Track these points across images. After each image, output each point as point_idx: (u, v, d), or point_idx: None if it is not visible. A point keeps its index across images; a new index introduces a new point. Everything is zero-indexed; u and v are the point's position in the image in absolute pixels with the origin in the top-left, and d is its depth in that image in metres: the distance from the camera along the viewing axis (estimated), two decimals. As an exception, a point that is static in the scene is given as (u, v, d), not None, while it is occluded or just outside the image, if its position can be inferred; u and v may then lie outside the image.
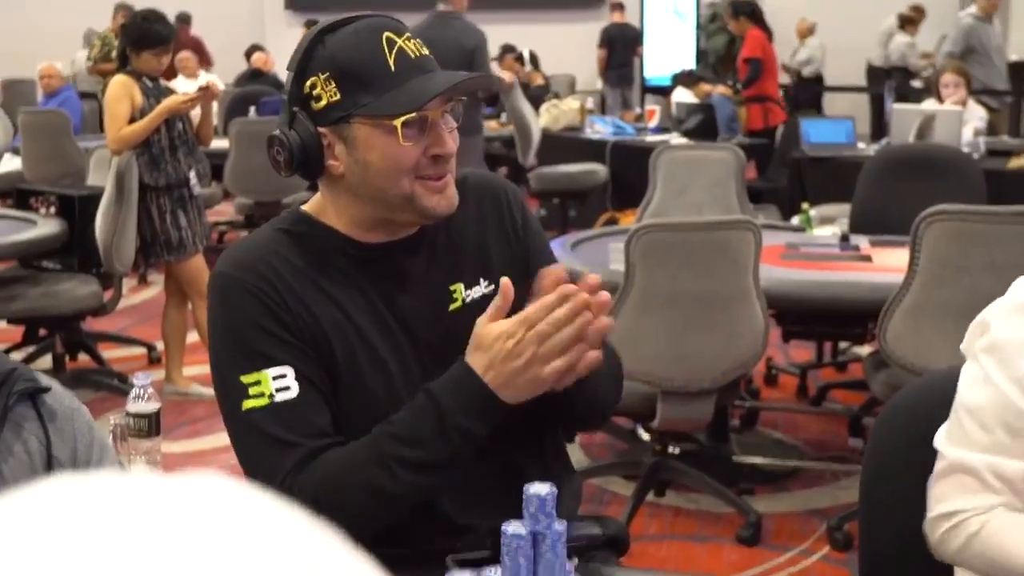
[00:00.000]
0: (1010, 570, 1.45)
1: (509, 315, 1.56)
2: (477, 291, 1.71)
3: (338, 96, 1.56)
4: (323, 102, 1.57)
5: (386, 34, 1.56)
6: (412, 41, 1.58)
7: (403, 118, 1.54)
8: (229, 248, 1.68)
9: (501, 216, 1.77)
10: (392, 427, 1.55)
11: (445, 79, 1.57)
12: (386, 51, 1.56)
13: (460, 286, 1.70)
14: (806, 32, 13.24)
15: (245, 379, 1.56)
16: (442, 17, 6.49)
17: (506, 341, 1.53)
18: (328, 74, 1.56)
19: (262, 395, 1.56)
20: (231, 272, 1.61)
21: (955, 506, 1.51)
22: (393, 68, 1.55)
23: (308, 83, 1.58)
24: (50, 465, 1.46)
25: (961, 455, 1.51)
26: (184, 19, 13.46)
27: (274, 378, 1.56)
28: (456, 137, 1.63)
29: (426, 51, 1.60)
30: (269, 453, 1.56)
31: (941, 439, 1.56)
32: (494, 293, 1.60)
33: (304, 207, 1.69)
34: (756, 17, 9.17)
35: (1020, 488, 1.48)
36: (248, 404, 1.56)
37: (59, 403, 1.49)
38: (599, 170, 7.65)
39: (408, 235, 1.68)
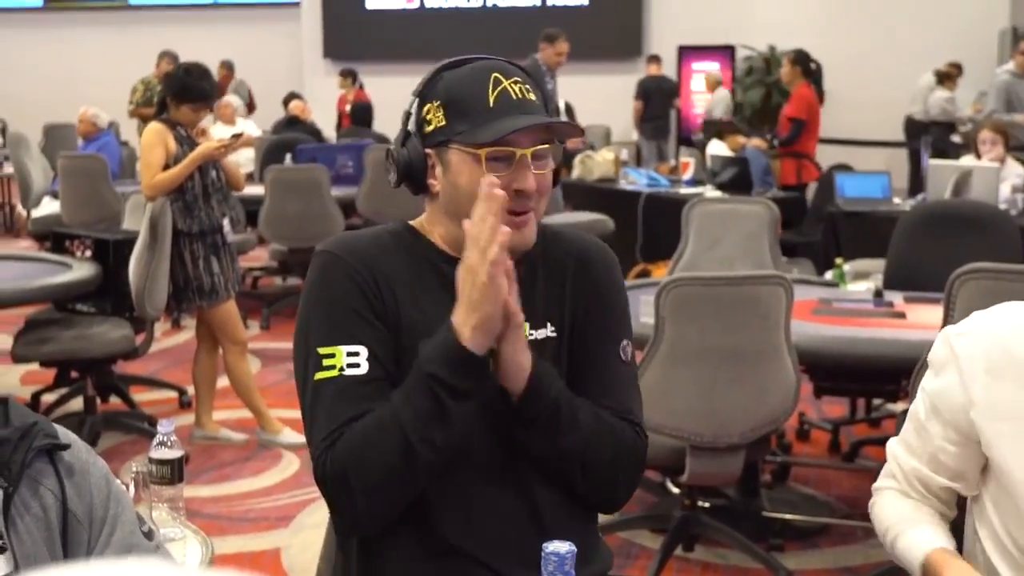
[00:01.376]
0: (879, 534, 1.80)
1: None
2: (542, 333, 1.79)
3: (444, 122, 1.72)
4: (432, 126, 1.73)
5: (495, 75, 1.72)
6: (519, 85, 1.72)
7: (488, 149, 1.67)
8: (339, 233, 1.86)
9: (583, 272, 1.84)
10: (396, 394, 1.66)
11: (531, 119, 1.70)
12: (490, 89, 1.71)
13: (527, 325, 1.74)
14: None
15: (322, 350, 1.68)
16: (528, 62, 6.78)
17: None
18: (440, 102, 1.73)
19: (333, 367, 1.67)
20: (335, 251, 1.74)
21: (876, 484, 1.84)
22: (492, 104, 1.70)
23: (425, 108, 1.75)
24: (65, 520, 1.45)
25: (890, 444, 1.81)
26: (229, 66, 13.65)
27: (348, 354, 1.67)
28: (543, 179, 1.73)
29: (533, 96, 1.73)
30: (324, 423, 1.66)
31: None
32: (557, 339, 1.78)
33: (412, 222, 1.83)
34: (811, 74, 9.10)
35: (911, 480, 1.75)
36: (320, 375, 1.68)
37: (76, 458, 1.49)
38: (604, 220, 7.54)
39: None
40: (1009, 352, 1.63)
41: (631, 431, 1.79)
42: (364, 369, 1.67)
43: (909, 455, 1.76)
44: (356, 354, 1.67)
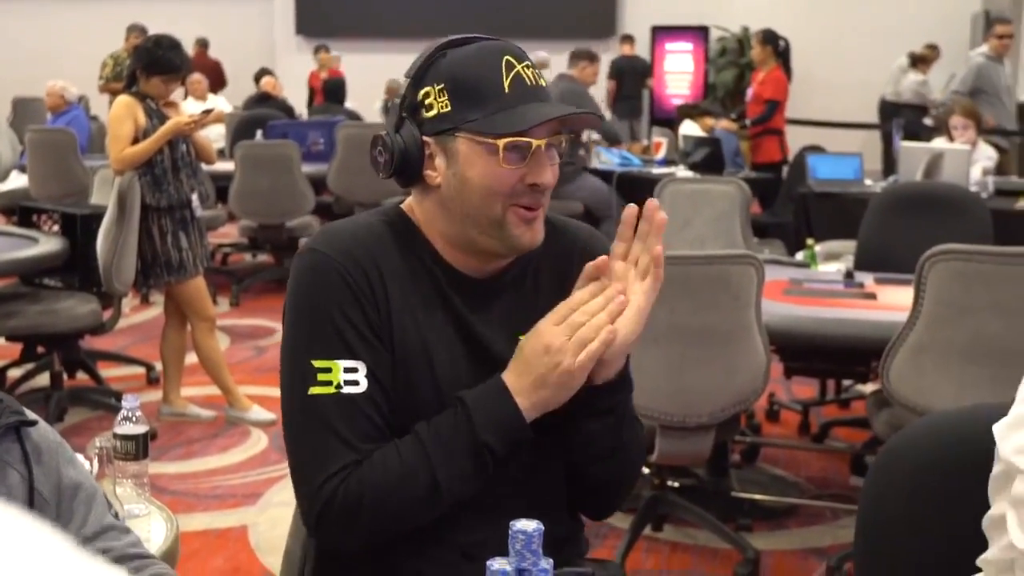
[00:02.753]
0: None
1: None
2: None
3: (449, 108, 1.57)
4: (433, 112, 1.58)
5: (507, 57, 1.57)
6: (531, 70, 1.58)
7: (507, 140, 1.54)
8: (328, 225, 1.67)
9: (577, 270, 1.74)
10: (428, 435, 1.57)
11: (556, 109, 1.57)
12: (504, 73, 1.56)
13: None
14: None
15: (317, 363, 1.56)
16: (561, 78, 6.90)
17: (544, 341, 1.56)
18: (443, 85, 1.57)
19: (330, 383, 1.56)
20: (327, 251, 1.60)
21: None
22: (507, 90, 1.56)
23: (422, 92, 1.59)
24: (31, 499, 1.44)
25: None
26: (203, 43, 13.57)
27: (345, 370, 1.56)
28: (556, 172, 1.62)
29: (543, 82, 1.60)
30: (323, 444, 1.55)
31: None
32: None
33: (403, 206, 1.69)
34: (781, 55, 9.14)
35: None
36: (315, 390, 1.56)
37: (43, 438, 1.47)
38: (572, 205, 7.53)
39: (499, 269, 1.68)
40: None
41: (642, 429, 1.78)
42: (363, 387, 1.56)
43: None
44: (354, 370, 1.56)
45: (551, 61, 8.32)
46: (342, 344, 1.57)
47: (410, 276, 1.62)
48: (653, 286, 1.60)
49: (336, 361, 1.56)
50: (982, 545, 1.52)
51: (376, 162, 1.64)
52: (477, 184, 1.57)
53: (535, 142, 1.56)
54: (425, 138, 1.59)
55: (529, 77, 1.57)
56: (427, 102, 1.58)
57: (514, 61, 1.57)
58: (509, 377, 1.57)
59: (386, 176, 1.63)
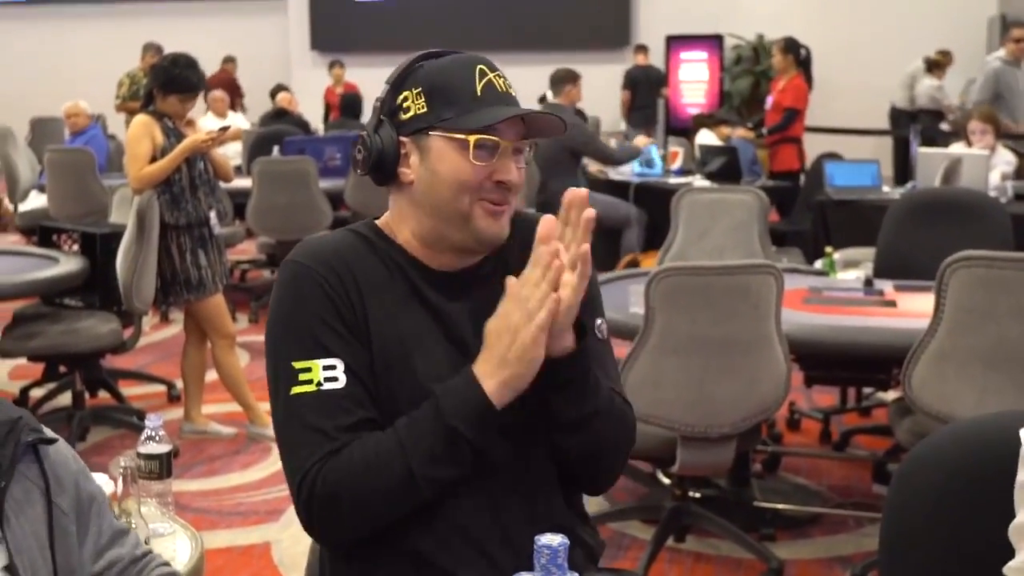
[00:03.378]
0: None
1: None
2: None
3: (424, 109, 1.68)
4: (410, 113, 1.69)
5: (479, 66, 1.70)
6: (502, 79, 1.71)
7: (477, 136, 1.65)
8: (305, 240, 1.76)
9: None
10: (403, 425, 1.62)
11: (521, 109, 1.69)
12: (476, 78, 1.69)
13: None
14: None
15: (297, 364, 1.65)
16: (562, 108, 7.14)
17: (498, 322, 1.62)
18: (420, 89, 1.69)
19: (311, 382, 1.64)
20: (304, 261, 1.70)
21: None
22: (479, 93, 1.68)
23: (401, 96, 1.71)
24: (50, 513, 1.48)
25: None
26: (230, 60, 13.67)
27: (324, 368, 1.64)
28: (523, 175, 1.72)
29: (513, 91, 1.72)
30: (305, 439, 1.63)
31: None
32: None
33: (377, 221, 1.78)
34: (803, 64, 9.12)
35: None
36: (296, 389, 1.64)
37: (59, 452, 1.53)
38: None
39: (472, 265, 1.75)
40: None
41: (629, 409, 1.79)
42: (343, 383, 1.64)
43: None
44: (333, 367, 1.64)
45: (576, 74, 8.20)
46: (320, 344, 1.65)
47: (385, 279, 1.70)
48: (580, 283, 1.63)
49: (315, 360, 1.64)
50: (1008, 554, 1.51)
51: (355, 160, 1.74)
52: (448, 178, 1.67)
53: (503, 142, 1.67)
54: (401, 138, 1.70)
55: (500, 85, 1.70)
56: (405, 105, 1.70)
57: (486, 69, 1.70)
58: (477, 364, 1.63)
59: (363, 173, 1.73)
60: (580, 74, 7.67)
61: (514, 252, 1.74)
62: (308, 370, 1.64)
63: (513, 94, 1.72)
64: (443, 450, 1.61)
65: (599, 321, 1.79)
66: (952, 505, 1.62)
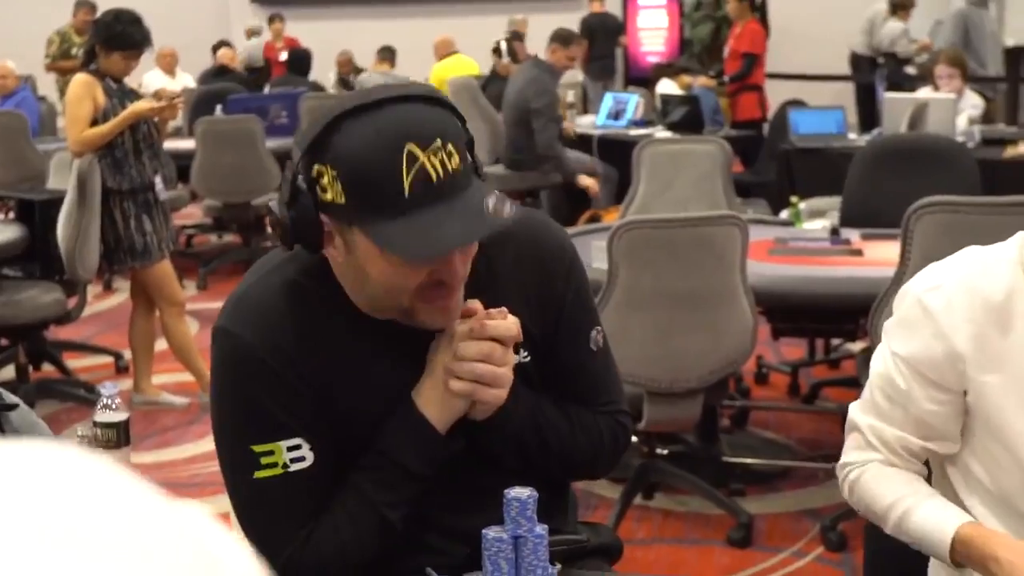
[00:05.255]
0: (874, 513, 1.69)
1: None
2: (514, 360, 1.60)
3: (343, 200, 1.42)
4: (328, 196, 1.43)
5: (409, 146, 1.39)
6: (438, 156, 1.40)
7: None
8: (237, 299, 1.58)
9: (543, 282, 1.65)
10: (369, 484, 1.57)
11: (461, 231, 1.42)
12: (403, 169, 1.39)
13: None
14: None
15: (258, 448, 1.53)
16: (538, 65, 7.08)
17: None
18: (336, 172, 1.41)
19: (276, 464, 1.53)
20: (240, 334, 1.53)
21: (846, 459, 1.73)
22: (407, 193, 1.39)
23: (315, 169, 1.43)
24: None
25: (855, 415, 1.73)
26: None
27: (288, 448, 1.53)
28: (469, 262, 1.51)
29: (452, 166, 1.42)
30: (280, 523, 1.55)
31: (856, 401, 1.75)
32: (531, 362, 1.62)
33: (325, 252, 1.52)
34: (758, 9, 9.05)
35: (895, 449, 1.67)
36: (260, 474, 1.53)
37: (23, 419, 1.51)
38: (552, 178, 7.40)
39: None
40: (986, 299, 1.57)
41: (612, 424, 1.71)
42: (310, 460, 1.53)
43: (888, 424, 1.67)
44: (298, 447, 1.53)
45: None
46: (278, 425, 1.53)
47: (326, 323, 1.55)
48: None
49: (277, 443, 1.53)
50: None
51: (275, 233, 1.54)
52: (378, 281, 1.47)
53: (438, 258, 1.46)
54: (322, 217, 1.45)
55: (433, 167, 1.40)
56: (322, 183, 1.43)
57: (416, 151, 1.39)
58: (418, 394, 1.57)
59: (287, 249, 1.54)
60: (575, 38, 7.40)
61: (506, 263, 1.61)
62: (271, 452, 1.52)
63: (452, 171, 1.42)
64: (409, 488, 1.57)
65: (594, 333, 1.68)
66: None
